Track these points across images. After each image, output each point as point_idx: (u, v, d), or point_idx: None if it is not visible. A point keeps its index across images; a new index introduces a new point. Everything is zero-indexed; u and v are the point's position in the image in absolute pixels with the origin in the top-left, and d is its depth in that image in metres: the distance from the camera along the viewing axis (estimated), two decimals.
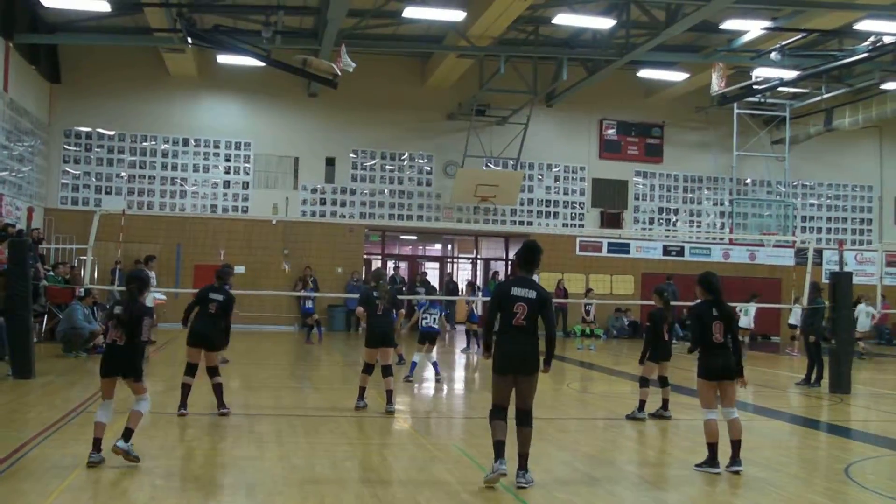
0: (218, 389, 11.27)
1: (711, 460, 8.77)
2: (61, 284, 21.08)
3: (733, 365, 8.95)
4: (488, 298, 26.72)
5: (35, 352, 14.56)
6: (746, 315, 25.05)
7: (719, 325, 8.91)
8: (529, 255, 8.20)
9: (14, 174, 24.30)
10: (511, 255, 33.03)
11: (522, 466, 7.81)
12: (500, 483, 7.82)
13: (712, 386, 8.92)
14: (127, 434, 8.15)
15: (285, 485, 7.60)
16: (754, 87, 27.28)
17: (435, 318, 15.82)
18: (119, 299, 8.76)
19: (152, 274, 21.71)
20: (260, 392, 13.76)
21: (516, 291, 7.98)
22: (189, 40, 23.05)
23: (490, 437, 7.91)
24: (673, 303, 12.33)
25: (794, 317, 25.16)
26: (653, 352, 12.00)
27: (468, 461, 8.80)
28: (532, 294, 7.97)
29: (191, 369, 11.16)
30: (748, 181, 33.17)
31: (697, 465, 8.88)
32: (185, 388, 11.11)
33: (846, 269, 21.86)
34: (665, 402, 12.14)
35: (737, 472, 8.65)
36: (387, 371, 11.77)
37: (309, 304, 24.58)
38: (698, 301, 9.20)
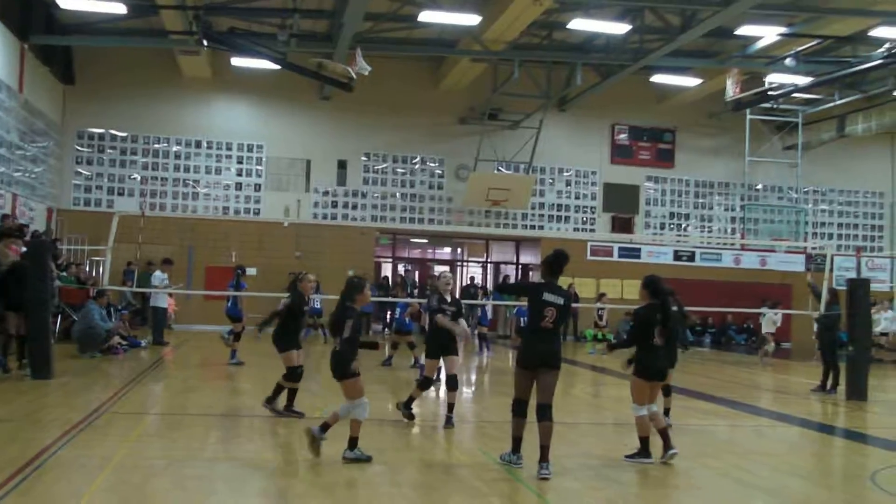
0: (277, 388, 11.45)
1: (644, 451, 9.27)
2: (74, 285, 21.09)
3: (667, 367, 9.82)
4: (499, 302, 26.86)
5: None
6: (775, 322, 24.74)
7: (661, 329, 9.40)
8: (559, 262, 8.85)
9: (28, 175, 24.34)
10: (521, 259, 33.08)
11: (544, 458, 8.32)
12: (526, 485, 7.85)
13: (648, 385, 9.42)
14: (351, 443, 8.62)
15: (316, 488, 7.60)
16: (769, 93, 27.25)
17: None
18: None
19: (164, 276, 21.85)
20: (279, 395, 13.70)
21: (548, 297, 8.61)
22: (205, 42, 23.13)
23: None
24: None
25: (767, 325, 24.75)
26: (672, 357, 11.83)
27: (494, 465, 8.80)
28: (560, 301, 8.64)
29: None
30: (760, 187, 33.16)
31: (628, 457, 9.36)
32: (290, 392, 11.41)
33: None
34: (667, 411, 11.63)
35: (673, 456, 9.21)
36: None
37: (317, 304, 24.69)
38: (644, 304, 9.60)
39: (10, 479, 7.29)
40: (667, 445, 9.27)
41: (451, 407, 11.16)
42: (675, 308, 11.58)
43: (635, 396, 9.42)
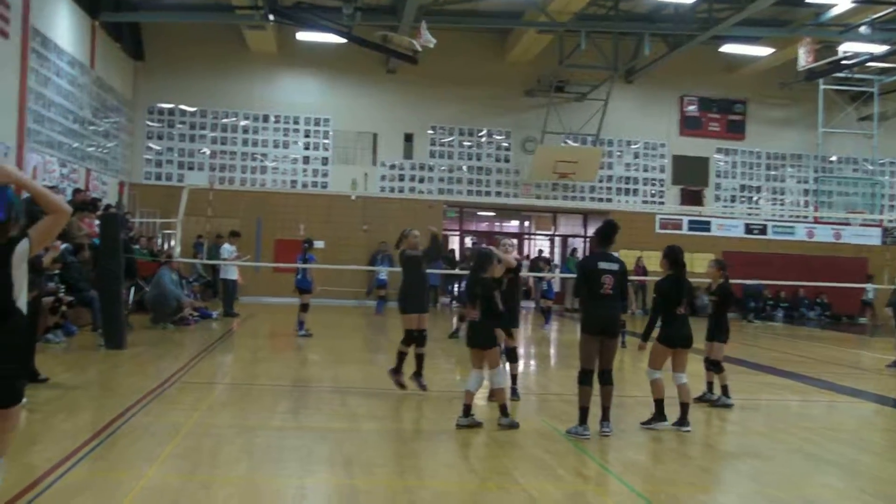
0: (398, 355, 11.13)
1: (659, 415, 9.54)
2: (147, 257, 21.45)
3: (691, 335, 9.84)
4: (567, 275, 26.76)
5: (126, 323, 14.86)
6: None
7: (683, 300, 9.81)
8: (610, 232, 9.26)
9: (101, 150, 24.77)
10: (590, 232, 32.83)
11: (606, 418, 8.97)
12: (592, 456, 7.81)
13: (668, 352, 9.76)
14: (503, 410, 9.19)
15: (382, 458, 7.65)
16: (843, 62, 26.62)
17: None
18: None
19: (233, 248, 22.10)
20: (347, 366, 13.85)
21: (602, 265, 9.04)
22: (270, 17, 23.26)
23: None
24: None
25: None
26: (722, 331, 11.41)
27: (559, 437, 8.80)
28: (615, 266, 9.09)
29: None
30: (833, 158, 32.44)
31: (644, 423, 9.55)
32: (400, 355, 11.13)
33: None
34: (710, 385, 11.44)
35: (687, 431, 9.31)
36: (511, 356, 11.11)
37: (383, 275, 24.87)
38: (665, 276, 9.95)
39: (84, 445, 7.47)
40: (682, 419, 9.49)
41: (514, 378, 11.10)
42: (721, 281, 11.40)
43: (651, 361, 9.80)
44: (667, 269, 9.88)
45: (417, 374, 11.11)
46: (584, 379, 8.95)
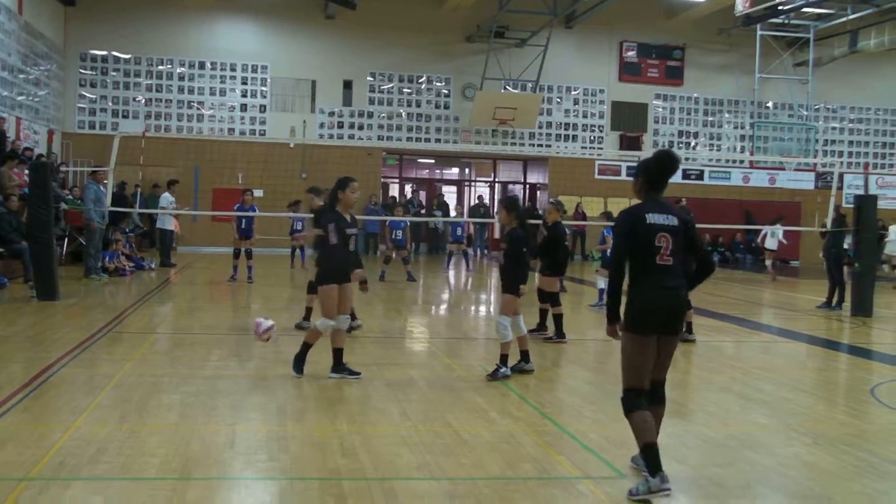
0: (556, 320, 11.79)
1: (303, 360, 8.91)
2: (80, 207, 21.04)
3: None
4: (478, 220, 26.59)
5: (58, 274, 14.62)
6: (773, 237, 24.31)
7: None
8: (668, 166, 5.91)
9: (31, 98, 24.20)
10: (529, 178, 32.95)
11: (658, 466, 5.49)
12: (535, 407, 7.86)
13: None
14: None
15: (315, 404, 7.64)
16: (779, 7, 26.76)
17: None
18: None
19: (173, 198, 21.81)
20: (281, 313, 13.79)
21: (654, 219, 5.67)
22: None
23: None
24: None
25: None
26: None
27: (495, 382, 8.85)
28: (674, 221, 5.73)
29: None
30: (770, 104, 32.77)
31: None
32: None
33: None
34: (689, 325, 11.80)
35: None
36: None
37: (298, 225, 23.42)
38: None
39: (11, 397, 7.36)
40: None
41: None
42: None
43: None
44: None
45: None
46: (635, 402, 5.66)
